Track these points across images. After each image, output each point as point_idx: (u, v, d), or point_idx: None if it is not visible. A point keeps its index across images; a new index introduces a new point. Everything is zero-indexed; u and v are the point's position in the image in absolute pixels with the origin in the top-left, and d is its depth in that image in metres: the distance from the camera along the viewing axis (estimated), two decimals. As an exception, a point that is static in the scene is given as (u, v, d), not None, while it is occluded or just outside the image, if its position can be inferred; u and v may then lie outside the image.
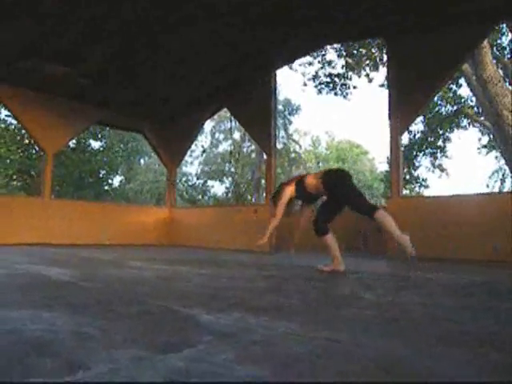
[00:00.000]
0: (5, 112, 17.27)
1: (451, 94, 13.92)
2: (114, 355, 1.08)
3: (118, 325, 1.46)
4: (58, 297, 2.07)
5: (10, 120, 17.51)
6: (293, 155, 25.34)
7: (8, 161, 18.51)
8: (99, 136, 21.00)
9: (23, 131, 16.24)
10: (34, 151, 18.18)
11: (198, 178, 26.48)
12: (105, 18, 6.18)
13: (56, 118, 8.79)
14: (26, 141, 17.97)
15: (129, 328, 1.42)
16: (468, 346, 1.29)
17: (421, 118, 14.31)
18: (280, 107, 23.42)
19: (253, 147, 23.71)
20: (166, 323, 1.52)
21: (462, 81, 13.44)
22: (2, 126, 18.27)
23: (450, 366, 1.08)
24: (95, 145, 21.33)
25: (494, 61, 11.49)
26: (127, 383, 0.89)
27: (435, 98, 13.04)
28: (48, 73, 7.56)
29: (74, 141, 17.84)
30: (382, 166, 26.79)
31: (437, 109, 14.45)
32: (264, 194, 9.81)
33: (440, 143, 15.13)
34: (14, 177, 19.06)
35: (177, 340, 1.27)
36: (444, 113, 14.55)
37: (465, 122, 15.16)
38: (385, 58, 11.75)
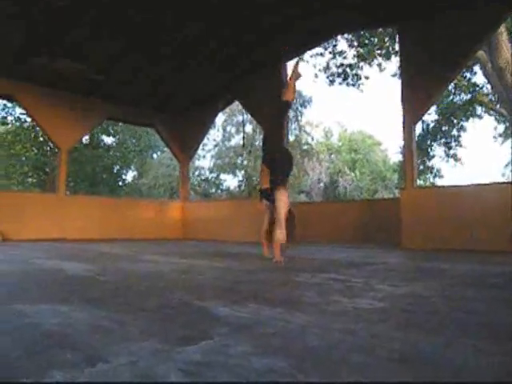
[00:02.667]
0: (19, 110, 17.50)
1: (465, 82, 13.68)
2: (132, 348, 1.09)
3: (135, 318, 1.47)
4: (76, 291, 2.10)
5: (25, 118, 17.73)
6: (305, 147, 25.20)
7: (23, 158, 18.77)
8: (112, 132, 21.15)
9: (37, 128, 16.43)
10: (48, 148, 18.40)
11: (210, 172, 26.51)
12: (114, 13, 6.21)
13: (69, 115, 8.87)
14: (41, 138, 18.18)
15: (146, 321, 1.44)
16: (491, 337, 1.27)
17: (434, 106, 14.09)
18: (291, 99, 23.23)
19: (265, 140, 23.57)
20: (182, 316, 1.53)
21: (476, 68, 13.19)
22: (17, 124, 18.51)
23: (473, 358, 1.06)
24: (108, 140, 21.50)
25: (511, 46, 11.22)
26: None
27: (449, 87, 12.82)
28: (61, 69, 7.62)
29: (86, 137, 18.01)
30: (396, 157, 26.58)
31: (451, 97, 14.22)
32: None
33: (454, 132, 14.90)
34: (30, 174, 19.33)
35: (193, 332, 1.27)
36: (458, 101, 14.31)
37: (480, 110, 14.90)
38: (397, 47, 11.59)
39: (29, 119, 16.85)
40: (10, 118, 18.63)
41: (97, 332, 1.26)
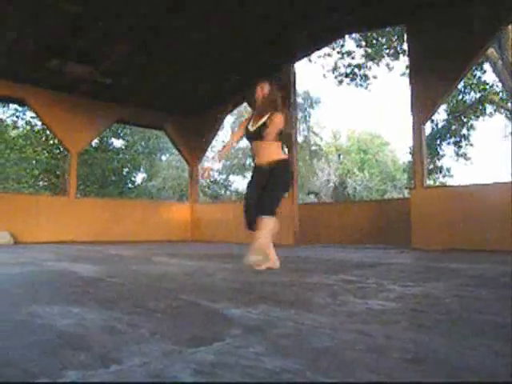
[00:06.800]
0: (30, 114, 17.68)
1: (475, 81, 13.55)
2: (144, 349, 1.10)
3: (147, 319, 1.48)
4: (86, 292, 2.11)
5: (35, 121, 17.90)
6: (313, 148, 25.18)
7: (34, 161, 18.94)
8: (121, 134, 21.28)
9: (48, 132, 16.58)
10: (58, 151, 18.55)
11: (219, 174, 26.58)
12: (123, 15, 6.25)
13: (79, 118, 8.94)
14: (51, 141, 18.33)
15: (157, 322, 1.44)
16: (507, 339, 1.25)
17: (444, 106, 13.99)
18: (300, 100, 23.27)
19: (273, 141, 23.58)
20: (193, 317, 1.53)
21: (486, 66, 13.06)
22: (28, 127, 18.70)
23: (489, 359, 1.05)
24: (117, 143, 21.63)
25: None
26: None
27: (459, 85, 12.71)
28: (70, 73, 7.69)
29: (96, 140, 18.11)
30: (405, 157, 26.41)
31: (460, 96, 14.10)
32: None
33: (464, 131, 14.77)
34: (41, 177, 19.49)
35: (205, 333, 1.27)
36: (468, 100, 14.19)
37: (490, 108, 14.75)
38: (405, 46, 11.52)
39: (39, 123, 17.02)
40: (20, 122, 18.86)
41: (109, 333, 1.27)
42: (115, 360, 1.00)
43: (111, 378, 0.90)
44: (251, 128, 3.56)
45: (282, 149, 3.64)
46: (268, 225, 3.35)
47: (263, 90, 3.58)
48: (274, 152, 3.47)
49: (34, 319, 1.45)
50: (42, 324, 1.38)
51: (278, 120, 3.40)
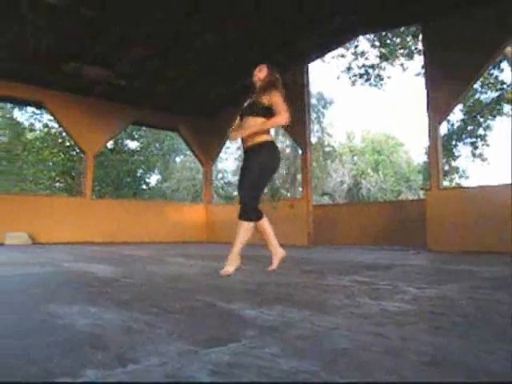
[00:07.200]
0: (47, 116, 17.97)
1: (492, 80, 13.35)
2: (161, 349, 1.11)
3: (163, 320, 1.49)
4: (104, 293, 2.13)
5: (52, 124, 18.20)
6: (327, 149, 25.07)
7: (51, 163, 19.24)
8: (136, 136, 21.49)
9: (64, 134, 16.84)
10: (75, 153, 18.81)
11: (233, 175, 26.63)
12: (140, 21, 6.32)
13: (95, 120, 9.06)
14: (67, 143, 18.60)
15: (173, 322, 1.45)
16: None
17: (459, 105, 13.81)
18: (313, 101, 23.20)
19: (287, 142, 23.58)
20: (209, 318, 1.54)
21: (504, 65, 12.86)
22: (45, 130, 19.01)
23: (507, 363, 1.03)
24: (132, 145, 21.85)
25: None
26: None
27: (475, 85, 12.53)
28: (87, 75, 7.80)
29: (111, 142, 18.32)
30: (419, 158, 26.15)
31: (477, 96, 13.90)
32: (300, 189, 9.77)
33: (480, 131, 14.55)
34: (57, 178, 19.79)
35: (221, 334, 1.28)
36: (484, 99, 13.98)
37: (507, 108, 14.51)
38: (420, 45, 11.41)
39: (56, 125, 17.28)
40: (37, 125, 19.20)
41: (126, 333, 1.28)
42: (132, 360, 1.01)
43: (128, 377, 0.91)
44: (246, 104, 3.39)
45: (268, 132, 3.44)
46: (239, 232, 3.17)
47: (262, 71, 3.52)
48: (257, 133, 3.27)
49: (54, 319, 1.47)
50: (61, 324, 1.40)
51: (277, 97, 3.30)
